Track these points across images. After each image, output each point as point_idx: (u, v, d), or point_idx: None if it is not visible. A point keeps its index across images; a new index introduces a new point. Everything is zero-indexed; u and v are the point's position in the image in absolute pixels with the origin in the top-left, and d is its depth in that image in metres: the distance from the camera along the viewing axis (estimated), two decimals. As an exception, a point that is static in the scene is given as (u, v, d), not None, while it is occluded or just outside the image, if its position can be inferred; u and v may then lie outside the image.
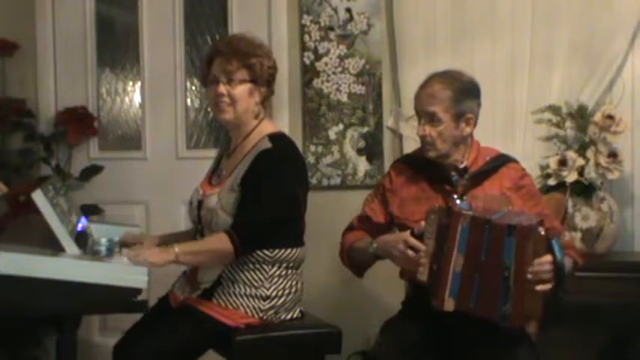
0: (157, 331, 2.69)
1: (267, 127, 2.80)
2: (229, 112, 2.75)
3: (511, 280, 2.42)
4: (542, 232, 2.43)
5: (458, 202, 2.58)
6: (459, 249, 2.47)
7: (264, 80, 2.77)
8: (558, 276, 2.44)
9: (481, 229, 2.46)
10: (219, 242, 2.64)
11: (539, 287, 2.42)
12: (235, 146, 2.83)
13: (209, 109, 3.97)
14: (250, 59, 2.74)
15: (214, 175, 2.89)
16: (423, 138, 2.70)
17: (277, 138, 2.75)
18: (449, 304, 2.48)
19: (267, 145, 2.71)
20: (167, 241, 2.94)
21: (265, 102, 2.83)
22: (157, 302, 2.91)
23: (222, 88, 2.73)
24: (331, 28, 3.90)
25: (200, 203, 2.79)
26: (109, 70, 3.97)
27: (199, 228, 2.80)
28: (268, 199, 2.66)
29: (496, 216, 2.49)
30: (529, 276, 2.41)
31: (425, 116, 2.68)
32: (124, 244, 2.77)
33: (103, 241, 2.59)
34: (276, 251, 2.73)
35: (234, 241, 2.62)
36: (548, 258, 2.42)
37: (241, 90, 2.73)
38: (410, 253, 2.50)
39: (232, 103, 2.74)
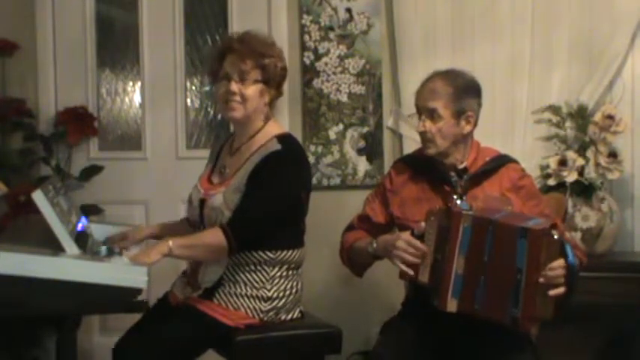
0: (157, 330, 2.69)
1: (275, 128, 2.79)
2: (239, 110, 2.74)
3: (523, 283, 2.40)
4: (556, 236, 2.42)
5: (458, 202, 2.57)
6: (460, 250, 2.46)
7: (276, 82, 2.77)
8: (571, 280, 2.42)
9: (484, 229, 2.45)
10: (213, 236, 2.64)
11: (553, 292, 2.40)
12: (240, 145, 2.82)
13: (209, 109, 3.98)
14: (264, 59, 2.73)
15: (214, 172, 2.88)
16: (422, 134, 2.70)
17: (286, 140, 2.75)
18: (452, 305, 2.47)
19: (277, 146, 2.70)
20: (156, 232, 2.94)
21: (272, 103, 2.82)
22: (156, 303, 2.90)
23: (235, 87, 2.72)
24: (331, 28, 3.90)
25: (202, 202, 2.78)
26: (109, 70, 3.97)
27: (201, 228, 2.79)
28: (268, 197, 2.66)
29: (498, 216, 2.48)
30: (541, 280, 2.40)
31: (425, 112, 2.68)
32: (112, 241, 2.78)
33: (102, 241, 2.58)
34: (278, 252, 2.73)
35: (228, 236, 2.61)
36: (561, 262, 2.40)
37: (253, 90, 2.73)
38: (409, 255, 2.49)
39: (243, 102, 2.73)
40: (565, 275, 2.41)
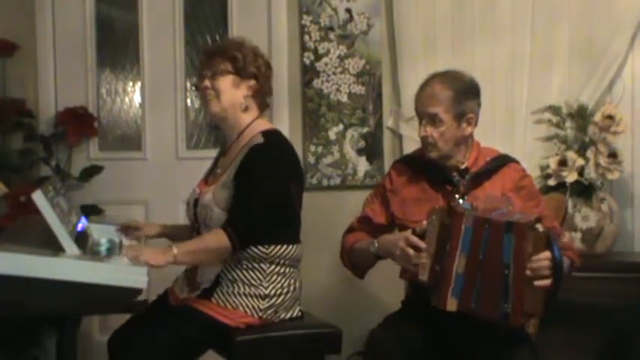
0: (156, 330, 2.69)
1: (261, 125, 2.82)
2: (215, 104, 2.78)
3: (510, 277, 2.42)
4: (541, 229, 2.43)
5: (460, 202, 2.57)
6: (461, 249, 2.47)
7: (250, 73, 2.79)
8: (557, 273, 2.44)
9: (482, 228, 2.46)
10: (217, 239, 2.65)
11: (538, 282, 2.42)
12: (230, 145, 2.85)
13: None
14: (232, 52, 2.78)
15: (211, 174, 2.91)
16: (424, 139, 2.69)
17: (270, 134, 2.77)
18: (451, 304, 2.47)
19: (260, 140, 2.73)
20: (167, 231, 2.98)
21: (258, 97, 2.83)
22: (156, 299, 2.91)
23: (207, 82, 2.78)
24: (331, 29, 3.90)
25: (196, 202, 2.80)
26: (109, 70, 3.97)
27: (196, 226, 2.82)
28: (262, 193, 2.68)
29: (495, 214, 2.49)
30: (528, 272, 2.41)
31: (426, 117, 2.67)
32: (126, 228, 2.83)
33: (103, 241, 2.58)
34: (272, 248, 2.73)
35: (231, 236, 2.63)
36: (546, 254, 2.42)
37: (224, 81, 2.77)
38: (410, 251, 2.49)
39: (217, 95, 2.77)
40: (551, 267, 2.41)
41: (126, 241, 2.70)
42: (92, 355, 3.77)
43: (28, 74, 3.80)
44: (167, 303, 2.84)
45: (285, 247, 2.76)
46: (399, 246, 2.51)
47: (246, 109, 2.81)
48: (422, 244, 2.48)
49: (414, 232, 2.53)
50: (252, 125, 2.80)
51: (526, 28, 3.82)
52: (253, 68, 2.79)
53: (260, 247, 2.72)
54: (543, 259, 2.42)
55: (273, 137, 2.77)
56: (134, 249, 2.56)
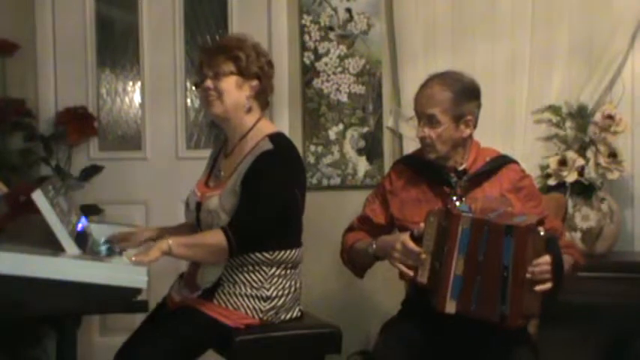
0: (156, 331, 2.68)
1: (266, 127, 2.78)
2: (218, 105, 2.74)
3: (509, 280, 2.42)
4: (542, 233, 2.43)
5: (457, 204, 2.57)
6: (459, 251, 2.46)
7: (253, 73, 2.75)
8: (557, 276, 2.43)
9: (481, 230, 2.45)
10: (215, 237, 2.63)
11: (538, 287, 2.42)
12: (233, 146, 2.81)
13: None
14: (235, 51, 2.73)
15: (211, 176, 2.87)
16: (422, 140, 2.69)
17: (277, 139, 2.74)
18: (450, 306, 2.47)
19: (268, 145, 2.69)
20: (163, 234, 2.91)
21: (260, 97, 2.80)
22: (155, 307, 2.89)
23: (210, 83, 2.73)
24: (331, 28, 3.90)
25: (199, 205, 2.78)
26: (109, 70, 3.97)
27: (198, 231, 2.78)
28: (266, 199, 2.66)
29: (493, 215, 2.49)
30: (528, 276, 2.41)
31: (424, 118, 2.67)
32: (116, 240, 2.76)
33: (103, 241, 2.58)
34: (275, 253, 2.72)
35: (229, 237, 2.60)
36: (547, 258, 2.42)
37: (227, 82, 2.72)
38: (406, 259, 2.49)
39: (220, 97, 2.72)
40: (551, 271, 2.41)
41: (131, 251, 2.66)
42: (92, 355, 3.78)
43: (28, 74, 3.80)
44: (166, 308, 2.82)
45: (288, 251, 2.75)
46: (396, 248, 2.52)
47: (249, 110, 2.78)
48: (418, 250, 2.48)
49: (411, 235, 2.52)
50: (256, 127, 2.77)
51: (526, 28, 3.82)
52: (256, 68, 2.75)
53: (264, 253, 2.71)
54: (544, 263, 2.41)
55: (280, 143, 2.73)
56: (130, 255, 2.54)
